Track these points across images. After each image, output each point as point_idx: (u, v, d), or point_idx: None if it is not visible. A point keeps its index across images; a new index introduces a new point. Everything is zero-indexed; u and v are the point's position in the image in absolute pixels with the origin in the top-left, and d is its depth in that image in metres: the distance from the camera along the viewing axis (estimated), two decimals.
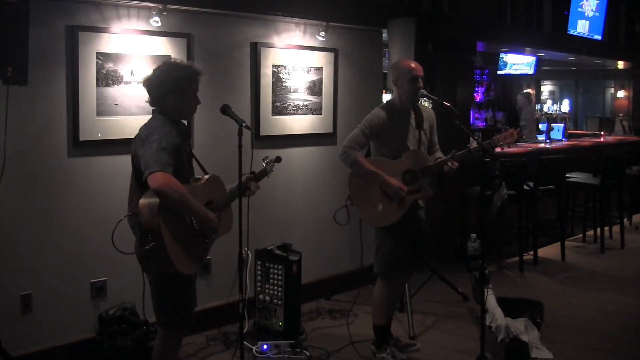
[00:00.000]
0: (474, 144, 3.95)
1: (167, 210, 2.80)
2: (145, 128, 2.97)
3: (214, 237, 3.12)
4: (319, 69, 5.13)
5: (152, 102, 3.07)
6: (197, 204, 2.91)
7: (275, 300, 4.34)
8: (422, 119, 3.93)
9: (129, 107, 4.02)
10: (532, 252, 6.41)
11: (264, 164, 3.52)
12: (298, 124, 5.04)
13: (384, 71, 6.04)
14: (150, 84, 3.04)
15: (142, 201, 2.81)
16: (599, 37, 9.24)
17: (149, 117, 3.10)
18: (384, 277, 3.96)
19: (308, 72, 5.05)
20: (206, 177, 3.15)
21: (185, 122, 3.21)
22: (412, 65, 3.86)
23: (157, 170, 2.75)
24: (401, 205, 3.79)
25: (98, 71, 3.88)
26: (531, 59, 10.90)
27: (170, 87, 2.98)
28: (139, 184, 2.87)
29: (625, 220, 7.77)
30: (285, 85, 4.91)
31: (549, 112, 13.05)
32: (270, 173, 3.57)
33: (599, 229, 7.11)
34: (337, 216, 4.10)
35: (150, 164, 2.77)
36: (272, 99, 4.83)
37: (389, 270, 3.92)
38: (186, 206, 2.86)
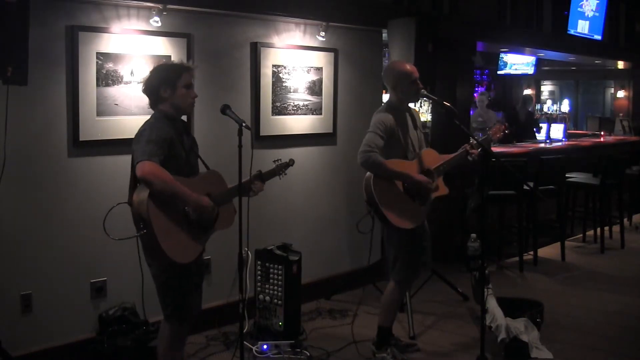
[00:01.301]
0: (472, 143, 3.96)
1: (158, 198, 2.90)
2: (142, 125, 3.10)
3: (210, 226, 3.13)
4: (319, 69, 5.13)
5: (150, 103, 3.18)
6: (186, 190, 2.96)
7: (275, 300, 4.34)
8: (415, 119, 3.97)
9: (129, 107, 4.02)
10: (532, 252, 6.41)
11: (274, 165, 3.53)
12: (298, 124, 5.04)
13: None
14: (144, 84, 3.17)
15: (135, 192, 2.96)
16: (599, 37, 9.23)
17: (149, 117, 3.17)
18: (403, 282, 3.95)
19: (308, 72, 5.05)
20: (204, 172, 3.21)
21: (185, 118, 3.24)
22: (409, 67, 3.88)
23: (143, 159, 2.88)
24: (424, 205, 3.82)
25: (98, 71, 3.89)
26: (531, 59, 10.90)
27: (159, 81, 3.10)
28: (135, 176, 2.98)
29: (625, 220, 7.76)
30: (285, 85, 4.91)
31: (549, 112, 13.08)
32: (283, 176, 3.57)
33: (599, 229, 7.11)
34: (361, 225, 3.91)
35: (138, 155, 2.92)
36: (272, 99, 4.83)
37: (410, 275, 3.93)
38: (172, 193, 2.92)
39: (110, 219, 3.02)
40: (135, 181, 2.98)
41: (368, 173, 3.74)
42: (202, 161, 3.28)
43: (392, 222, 3.73)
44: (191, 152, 3.19)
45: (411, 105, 4.07)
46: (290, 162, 3.61)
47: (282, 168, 3.57)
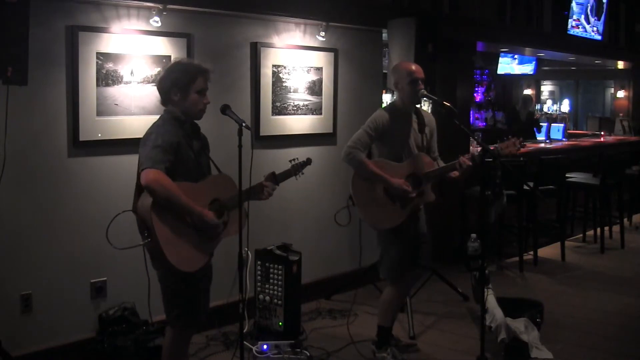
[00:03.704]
0: (474, 144, 3.93)
1: (162, 206, 2.84)
2: (150, 127, 3.04)
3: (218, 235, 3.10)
4: (319, 69, 5.13)
5: (161, 101, 3.11)
6: (190, 203, 2.90)
7: (275, 300, 4.34)
8: (423, 123, 3.92)
9: (128, 107, 4.02)
10: (532, 252, 6.41)
11: (290, 165, 3.48)
12: (298, 124, 5.04)
13: (384, 71, 6.04)
14: (158, 82, 3.10)
15: (140, 199, 2.90)
16: (599, 37, 9.23)
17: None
18: (393, 280, 3.95)
19: (308, 72, 5.05)
20: (212, 175, 3.16)
21: (196, 121, 3.17)
22: (413, 67, 3.84)
23: (148, 167, 2.82)
24: (404, 207, 3.79)
25: (98, 71, 3.88)
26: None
27: (171, 82, 3.02)
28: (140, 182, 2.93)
29: (625, 220, 7.77)
30: (285, 85, 4.91)
31: (549, 112, 13.07)
32: (300, 176, 3.52)
33: (599, 229, 7.11)
34: (338, 217, 4.09)
35: (143, 161, 2.86)
36: (272, 99, 4.83)
37: (397, 273, 3.92)
38: (175, 203, 2.87)
39: (115, 224, 2.99)
40: (141, 187, 2.91)
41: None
42: (214, 164, 3.24)
43: (365, 220, 3.80)
44: (201, 154, 3.14)
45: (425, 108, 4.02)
46: (308, 161, 3.55)
47: (298, 168, 3.50)
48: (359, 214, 3.82)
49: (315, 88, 5.12)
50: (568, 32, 8.58)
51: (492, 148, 3.73)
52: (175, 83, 3.01)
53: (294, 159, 3.53)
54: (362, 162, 3.72)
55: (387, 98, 7.05)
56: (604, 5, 9.21)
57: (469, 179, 4.19)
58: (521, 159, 6.14)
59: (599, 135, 10.04)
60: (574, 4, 8.58)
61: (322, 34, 5.05)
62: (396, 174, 3.76)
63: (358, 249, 4.13)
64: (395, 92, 3.93)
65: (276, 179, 3.37)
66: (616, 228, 7.43)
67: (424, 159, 3.87)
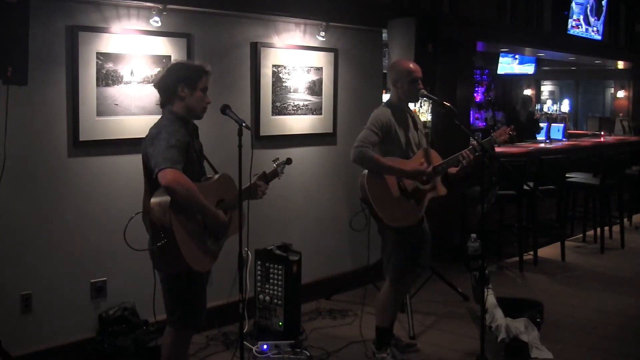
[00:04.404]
0: (473, 144, 3.94)
1: (179, 207, 2.83)
2: (154, 127, 3.00)
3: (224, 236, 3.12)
4: (319, 69, 5.13)
5: (161, 101, 3.08)
6: (207, 203, 2.92)
7: (275, 300, 4.34)
8: (415, 120, 3.97)
9: (128, 107, 4.02)
10: (532, 252, 6.41)
11: (274, 165, 3.51)
12: (298, 124, 5.04)
13: (384, 71, 6.04)
14: (159, 81, 3.06)
15: (153, 199, 2.85)
16: (598, 37, 9.24)
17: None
18: (394, 281, 3.94)
19: (308, 72, 5.05)
20: (217, 175, 3.17)
21: (195, 121, 3.17)
22: (411, 66, 3.85)
23: (167, 167, 2.78)
24: (419, 204, 3.80)
25: (98, 71, 3.89)
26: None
27: (179, 78, 3.00)
28: (150, 182, 2.90)
29: (625, 220, 7.76)
30: (285, 85, 4.91)
31: (549, 112, 13.08)
32: (281, 175, 3.55)
33: (599, 229, 7.11)
34: (354, 222, 3.93)
35: (159, 162, 2.81)
36: (272, 99, 4.83)
37: (400, 274, 3.91)
38: (195, 203, 2.87)
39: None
40: (151, 188, 2.88)
41: (363, 171, 3.74)
42: (209, 164, 3.24)
43: (385, 220, 3.74)
44: (201, 154, 3.16)
45: (411, 105, 4.06)
46: (288, 161, 3.58)
47: (281, 166, 3.54)
48: (378, 214, 3.71)
49: (315, 88, 5.12)
50: (568, 32, 8.58)
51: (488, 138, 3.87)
52: (183, 79, 3.00)
53: (276, 159, 3.55)
54: (374, 158, 3.67)
55: (387, 98, 7.04)
56: (604, 6, 9.22)
57: (468, 177, 4.19)
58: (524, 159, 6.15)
59: (599, 135, 10.05)
60: (573, 4, 8.58)
61: (322, 34, 5.05)
62: (403, 165, 3.76)
63: (358, 249, 4.13)
64: (391, 90, 3.92)
65: (267, 178, 3.40)
66: (616, 228, 7.43)
67: (430, 153, 3.89)
